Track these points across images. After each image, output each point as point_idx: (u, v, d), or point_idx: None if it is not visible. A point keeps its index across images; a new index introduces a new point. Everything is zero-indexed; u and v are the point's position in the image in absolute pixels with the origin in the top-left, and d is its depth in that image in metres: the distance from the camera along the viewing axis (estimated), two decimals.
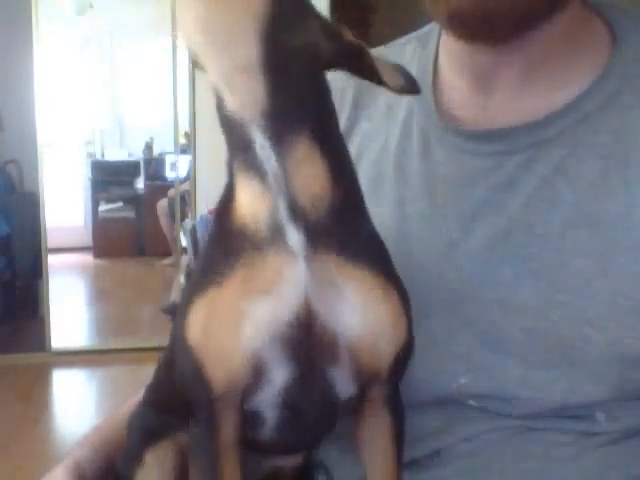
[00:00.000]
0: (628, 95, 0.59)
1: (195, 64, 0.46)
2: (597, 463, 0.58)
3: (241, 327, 0.45)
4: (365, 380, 0.50)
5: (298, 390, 0.48)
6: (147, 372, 0.69)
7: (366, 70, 0.48)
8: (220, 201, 0.49)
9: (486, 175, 0.62)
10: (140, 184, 5.27)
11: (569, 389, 0.58)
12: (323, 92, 0.47)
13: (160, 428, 0.62)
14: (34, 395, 3.03)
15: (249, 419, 0.50)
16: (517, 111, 0.62)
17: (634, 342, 0.56)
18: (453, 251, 0.62)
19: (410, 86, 0.49)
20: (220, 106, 0.46)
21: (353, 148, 0.72)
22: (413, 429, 0.61)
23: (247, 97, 0.44)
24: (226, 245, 0.47)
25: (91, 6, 3.87)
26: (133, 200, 5.21)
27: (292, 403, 0.49)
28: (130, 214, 5.19)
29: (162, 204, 4.34)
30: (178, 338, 0.49)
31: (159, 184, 4.98)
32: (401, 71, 0.49)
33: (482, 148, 0.62)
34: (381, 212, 0.67)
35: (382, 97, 0.72)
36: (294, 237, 0.45)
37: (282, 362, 0.46)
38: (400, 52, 0.74)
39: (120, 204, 5.28)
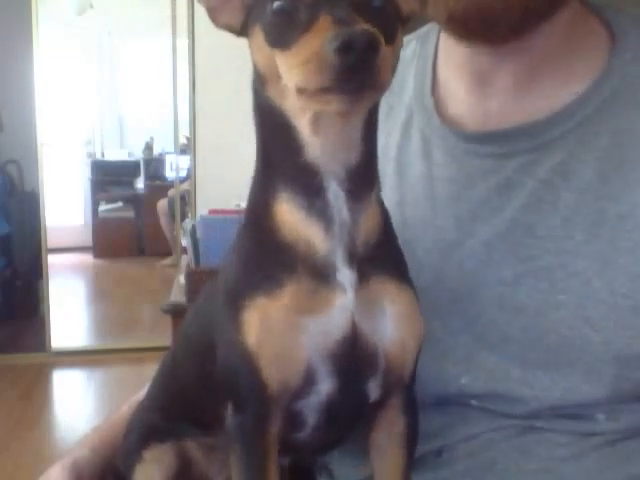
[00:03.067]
0: (627, 96, 0.59)
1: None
2: (597, 463, 0.58)
3: (298, 338, 0.48)
4: (392, 384, 0.53)
5: (339, 397, 0.51)
6: (147, 372, 0.69)
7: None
8: (255, 215, 0.51)
9: (486, 176, 0.62)
10: (140, 184, 5.27)
11: (568, 388, 0.58)
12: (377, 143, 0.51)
13: (162, 432, 0.63)
14: (34, 395, 3.03)
15: (290, 419, 0.52)
16: (517, 113, 0.62)
17: (633, 342, 0.56)
18: (453, 252, 0.62)
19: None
20: (290, 143, 0.47)
21: None
22: None
23: (341, 159, 0.47)
24: (273, 258, 0.49)
25: (91, 6, 3.87)
26: (133, 200, 5.20)
27: (331, 408, 0.52)
28: (130, 214, 5.19)
29: (162, 204, 4.34)
30: (229, 339, 0.50)
31: (159, 184, 4.98)
32: None
33: (482, 150, 0.62)
34: None
35: (382, 98, 0.72)
36: (346, 276, 0.49)
37: (330, 373, 0.50)
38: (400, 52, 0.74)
39: (120, 204, 5.28)
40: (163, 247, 4.21)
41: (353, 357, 0.49)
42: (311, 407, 0.51)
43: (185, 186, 3.78)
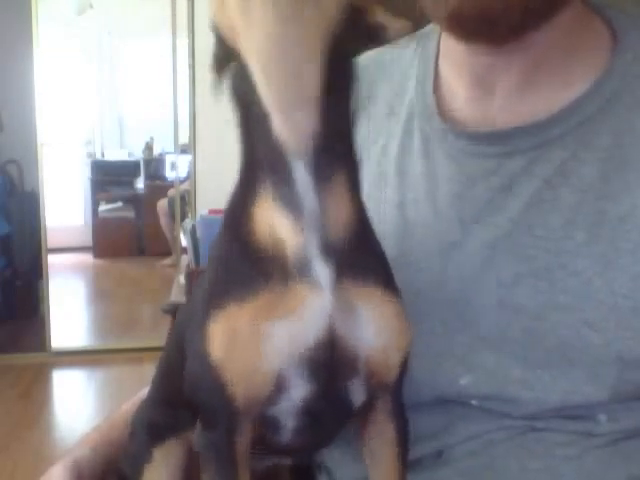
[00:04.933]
0: (629, 96, 0.59)
1: (223, 49, 0.43)
2: (598, 463, 0.58)
3: (264, 348, 0.46)
4: (376, 389, 0.52)
5: (316, 402, 0.49)
6: (147, 372, 0.69)
7: (371, 33, 0.46)
8: (235, 212, 0.48)
9: (487, 176, 0.62)
10: (140, 184, 5.26)
11: (569, 389, 0.58)
12: (353, 125, 0.48)
13: (167, 425, 0.62)
14: (34, 395, 3.03)
15: (266, 424, 0.51)
16: (518, 113, 0.62)
17: (634, 343, 0.56)
18: (454, 252, 0.62)
19: (411, 23, 0.49)
20: (259, 127, 0.44)
21: None
22: (415, 429, 0.61)
23: (300, 128, 0.43)
24: (247, 263, 0.47)
25: (91, 6, 3.87)
26: (133, 200, 5.20)
27: (311, 412, 0.50)
28: (130, 214, 5.19)
29: (162, 204, 4.34)
30: (196, 350, 0.49)
31: (159, 184, 4.98)
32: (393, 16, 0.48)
33: (483, 150, 0.62)
34: (382, 213, 0.67)
35: (382, 98, 0.72)
36: (323, 271, 0.46)
37: (303, 380, 0.48)
38: (401, 52, 0.74)
39: (120, 204, 5.28)
40: (163, 247, 4.21)
41: (329, 362, 0.47)
42: (286, 412, 0.50)
43: (185, 186, 3.78)
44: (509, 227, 0.60)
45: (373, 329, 0.48)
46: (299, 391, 0.48)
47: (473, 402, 0.61)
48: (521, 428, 0.60)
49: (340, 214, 0.46)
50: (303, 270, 0.46)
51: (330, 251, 0.46)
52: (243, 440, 0.50)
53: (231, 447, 0.49)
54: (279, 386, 0.47)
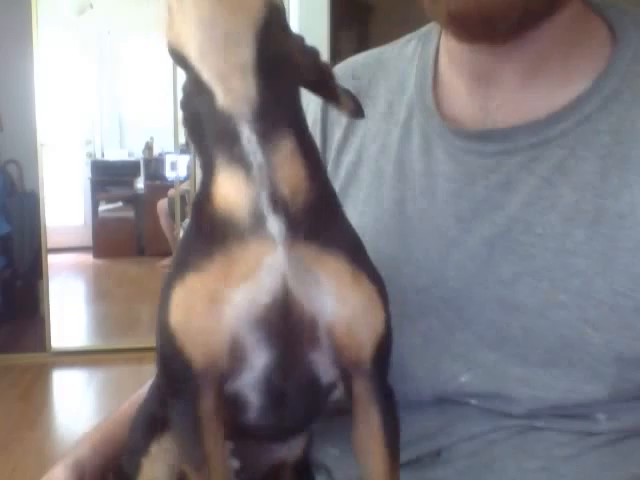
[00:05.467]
0: (628, 94, 0.59)
1: (177, 60, 0.48)
2: (597, 462, 0.58)
3: (220, 310, 0.47)
4: (346, 365, 0.51)
5: (279, 373, 0.49)
6: (147, 372, 0.69)
7: (329, 92, 0.52)
8: (198, 194, 0.50)
9: (486, 174, 0.62)
10: (140, 184, 5.26)
11: (569, 388, 0.58)
12: (300, 97, 0.50)
13: (164, 419, 0.62)
14: (34, 395, 3.03)
15: (234, 403, 0.51)
16: (518, 111, 0.62)
17: (634, 342, 0.56)
18: (453, 250, 0.62)
19: (358, 111, 0.54)
20: (194, 95, 0.48)
21: (353, 147, 0.72)
22: (414, 428, 0.61)
23: (239, 94, 0.46)
24: (206, 233, 0.49)
25: (91, 6, 3.87)
26: (133, 200, 5.20)
27: (274, 386, 0.50)
28: (130, 214, 5.19)
29: (162, 204, 4.35)
30: (159, 320, 0.50)
31: (159, 184, 4.98)
32: (352, 97, 0.54)
33: (482, 148, 0.62)
34: (382, 211, 0.67)
35: (382, 96, 0.72)
36: (275, 226, 0.47)
37: (261, 345, 0.48)
38: (401, 51, 0.74)
39: (120, 204, 5.28)
40: (163, 247, 4.21)
41: (286, 324, 0.48)
42: (250, 385, 0.50)
43: (185, 186, 3.78)
44: (508, 225, 0.60)
45: (332, 296, 0.48)
46: (258, 358, 0.48)
47: (472, 401, 0.61)
48: (520, 427, 0.60)
49: (288, 173, 0.47)
50: (256, 225, 0.47)
51: (280, 206, 0.47)
52: (207, 406, 0.50)
53: (195, 411, 0.50)
54: (236, 350, 0.48)
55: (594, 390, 0.57)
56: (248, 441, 0.59)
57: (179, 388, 0.51)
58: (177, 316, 0.48)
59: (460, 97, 0.66)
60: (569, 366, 0.58)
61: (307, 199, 0.48)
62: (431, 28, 0.72)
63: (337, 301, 0.48)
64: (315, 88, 0.52)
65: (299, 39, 0.50)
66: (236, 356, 0.48)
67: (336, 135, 0.73)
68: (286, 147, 0.47)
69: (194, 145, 0.51)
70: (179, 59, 0.47)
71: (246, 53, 0.45)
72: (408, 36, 0.76)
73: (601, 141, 0.58)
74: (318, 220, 0.49)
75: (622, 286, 0.56)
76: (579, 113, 0.59)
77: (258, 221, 0.47)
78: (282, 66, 0.48)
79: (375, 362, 0.51)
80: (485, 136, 0.63)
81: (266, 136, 0.47)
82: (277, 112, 0.47)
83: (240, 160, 0.47)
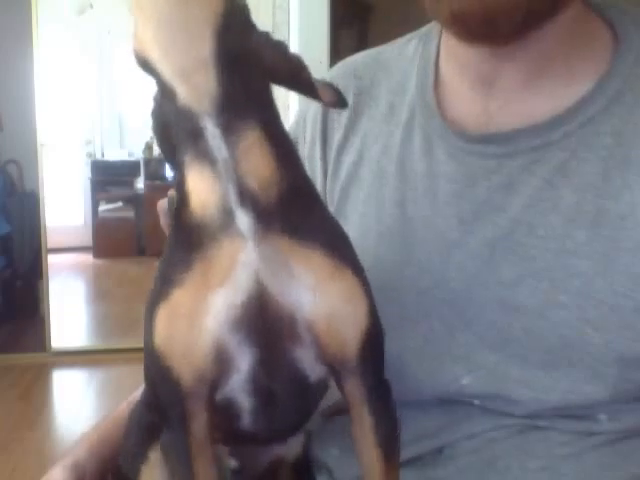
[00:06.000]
0: (630, 96, 0.59)
1: (143, 65, 0.48)
2: (598, 461, 0.58)
3: (200, 321, 0.46)
4: (332, 363, 0.50)
5: (265, 373, 0.49)
6: None
7: (304, 84, 0.50)
8: (177, 200, 0.50)
9: (488, 176, 0.62)
10: (140, 184, 5.26)
11: (569, 389, 0.58)
12: (268, 90, 0.50)
13: (160, 426, 0.62)
14: (34, 395, 3.03)
15: (224, 410, 0.51)
16: (519, 113, 0.62)
17: (634, 342, 0.56)
18: (454, 251, 0.62)
19: (340, 100, 0.51)
20: (164, 102, 0.48)
21: (354, 147, 0.72)
22: (415, 427, 0.61)
23: (201, 89, 0.46)
24: (185, 240, 0.48)
25: (91, 6, 3.87)
26: (133, 200, 5.20)
27: (262, 387, 0.50)
28: (130, 214, 5.19)
29: (162, 204, 4.33)
30: (145, 342, 0.50)
31: (159, 184, 4.98)
32: (332, 87, 0.52)
33: (484, 150, 0.62)
34: (383, 212, 0.67)
35: (383, 97, 0.72)
36: (244, 221, 0.46)
37: (244, 346, 0.47)
38: (401, 51, 0.74)
39: (120, 204, 5.28)
40: (163, 247, 4.21)
41: (265, 322, 0.47)
42: (239, 389, 0.49)
43: None
44: (510, 226, 0.60)
45: (309, 290, 0.47)
46: (243, 361, 0.48)
47: (474, 401, 0.61)
48: (522, 426, 0.60)
49: (255, 165, 0.46)
50: (227, 222, 0.46)
51: (249, 200, 0.46)
52: (199, 429, 0.50)
53: (186, 436, 0.50)
54: (220, 357, 0.47)
55: (594, 391, 0.57)
56: (246, 443, 0.59)
57: (169, 413, 0.51)
58: (161, 335, 0.48)
59: (461, 98, 0.66)
60: (569, 367, 0.58)
61: (279, 191, 0.47)
62: (431, 28, 0.72)
63: (314, 295, 0.47)
64: (289, 83, 0.50)
65: (264, 34, 0.49)
66: (221, 362, 0.47)
67: (336, 135, 0.73)
68: (253, 139, 0.46)
69: (163, 153, 0.51)
70: (144, 64, 0.47)
71: (205, 48, 0.45)
72: (408, 36, 0.75)
73: (603, 143, 0.58)
74: (293, 212, 0.48)
75: (622, 286, 0.56)
76: (582, 115, 0.59)
77: (228, 217, 0.46)
78: (244, 59, 0.47)
79: (363, 359, 0.50)
80: (487, 138, 0.63)
81: (230, 130, 0.46)
82: (241, 105, 0.47)
83: (206, 156, 0.46)
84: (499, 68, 0.62)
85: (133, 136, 5.15)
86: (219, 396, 0.50)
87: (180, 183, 0.48)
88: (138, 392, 0.72)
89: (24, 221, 3.56)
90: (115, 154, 5.27)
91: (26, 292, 3.63)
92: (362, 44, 3.20)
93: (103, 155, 5.31)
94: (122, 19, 3.99)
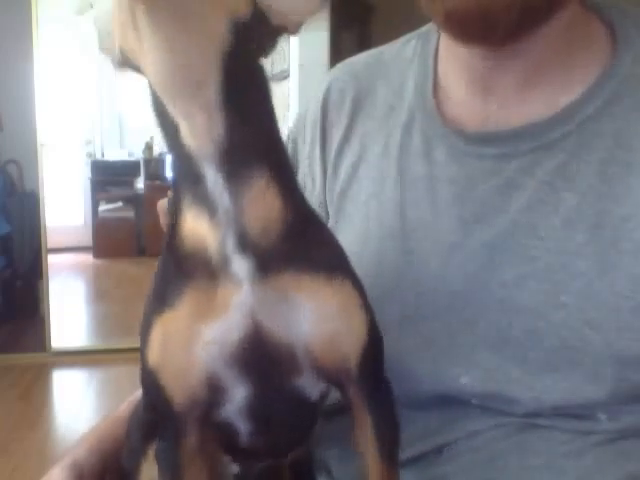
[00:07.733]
0: (629, 97, 0.59)
1: (131, 68, 0.44)
2: (598, 460, 0.58)
3: (194, 348, 0.46)
4: (334, 379, 0.50)
5: (262, 402, 0.49)
6: None
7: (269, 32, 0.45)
8: (169, 225, 0.49)
9: (487, 177, 0.62)
10: (140, 184, 5.27)
11: (569, 389, 0.58)
12: (275, 126, 0.47)
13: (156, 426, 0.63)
14: (34, 395, 3.03)
15: (223, 428, 0.51)
16: (518, 114, 0.62)
17: (634, 343, 0.56)
18: (455, 252, 0.62)
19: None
20: (172, 137, 0.45)
21: (354, 148, 0.72)
22: (416, 426, 0.62)
23: (205, 134, 0.43)
24: (177, 267, 0.47)
25: (91, 6, 3.87)
26: (133, 200, 5.21)
27: (259, 414, 0.50)
28: (130, 214, 5.19)
29: (162, 204, 4.34)
30: (141, 356, 0.49)
31: (159, 184, 4.98)
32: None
33: (484, 151, 0.62)
34: (383, 213, 0.67)
35: (383, 97, 0.72)
36: (241, 267, 0.45)
37: (239, 380, 0.47)
38: (400, 52, 0.74)
39: (120, 204, 5.28)
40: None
41: (261, 358, 0.47)
42: (233, 414, 0.50)
43: None
44: (510, 228, 0.60)
45: (309, 316, 0.47)
46: (238, 391, 0.48)
47: (473, 401, 0.61)
48: (522, 425, 0.60)
49: (260, 211, 0.45)
50: (224, 267, 0.45)
51: (249, 246, 0.45)
52: (190, 443, 0.50)
53: (177, 449, 0.50)
54: (214, 387, 0.47)
55: (594, 391, 0.57)
56: (247, 457, 0.59)
57: (163, 427, 0.51)
58: (155, 354, 0.48)
59: (460, 99, 0.66)
60: (570, 367, 0.58)
61: (281, 228, 0.46)
62: (431, 27, 0.72)
63: (314, 320, 0.47)
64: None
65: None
66: (215, 391, 0.48)
67: (336, 136, 0.73)
68: (259, 188, 0.45)
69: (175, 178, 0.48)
70: (133, 67, 0.44)
71: (211, 89, 0.42)
72: (408, 36, 0.75)
73: (602, 143, 0.58)
74: (295, 245, 0.47)
75: (623, 288, 0.56)
76: (579, 116, 0.59)
77: (224, 262, 0.45)
78: (252, 94, 0.44)
79: (363, 367, 0.50)
80: (485, 139, 0.63)
81: (234, 177, 0.44)
82: (248, 149, 0.44)
83: (205, 202, 0.44)
84: (497, 69, 0.62)
85: (133, 136, 5.16)
86: (215, 417, 0.50)
87: (176, 211, 0.47)
88: (138, 392, 0.72)
89: (24, 221, 3.56)
90: (115, 154, 5.27)
91: (26, 292, 3.63)
92: (364, 45, 3.19)
93: (103, 155, 5.31)
94: None
